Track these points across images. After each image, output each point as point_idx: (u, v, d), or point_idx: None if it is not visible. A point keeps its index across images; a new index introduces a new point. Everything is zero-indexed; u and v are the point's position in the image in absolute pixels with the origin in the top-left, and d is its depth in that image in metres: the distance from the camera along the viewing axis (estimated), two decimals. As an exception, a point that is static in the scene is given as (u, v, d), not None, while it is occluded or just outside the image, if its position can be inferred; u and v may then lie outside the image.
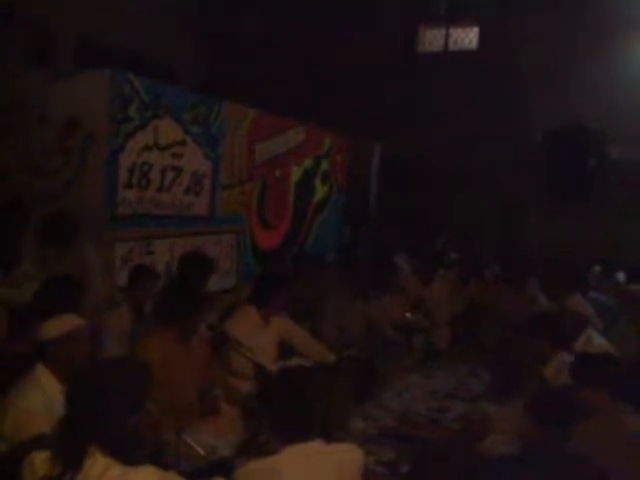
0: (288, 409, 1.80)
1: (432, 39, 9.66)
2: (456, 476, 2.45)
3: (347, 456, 1.84)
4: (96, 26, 6.52)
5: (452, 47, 9.45)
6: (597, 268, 6.20)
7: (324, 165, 6.56)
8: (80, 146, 4.14)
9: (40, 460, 1.59)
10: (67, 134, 4.21)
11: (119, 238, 4.16)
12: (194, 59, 8.18)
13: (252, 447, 2.45)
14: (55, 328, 2.24)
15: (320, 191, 6.58)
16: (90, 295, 3.24)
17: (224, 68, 8.38)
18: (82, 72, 4.47)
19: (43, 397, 2.14)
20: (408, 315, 5.05)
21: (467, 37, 9.40)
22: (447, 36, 9.50)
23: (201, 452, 2.43)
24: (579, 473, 1.97)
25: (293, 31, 8.86)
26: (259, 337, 3.55)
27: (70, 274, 3.18)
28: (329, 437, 1.82)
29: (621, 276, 5.95)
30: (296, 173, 6.12)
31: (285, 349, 3.82)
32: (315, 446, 1.75)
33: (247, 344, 3.21)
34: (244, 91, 7.06)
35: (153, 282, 3.67)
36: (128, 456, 1.61)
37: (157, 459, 2.13)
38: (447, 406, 3.87)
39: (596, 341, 3.61)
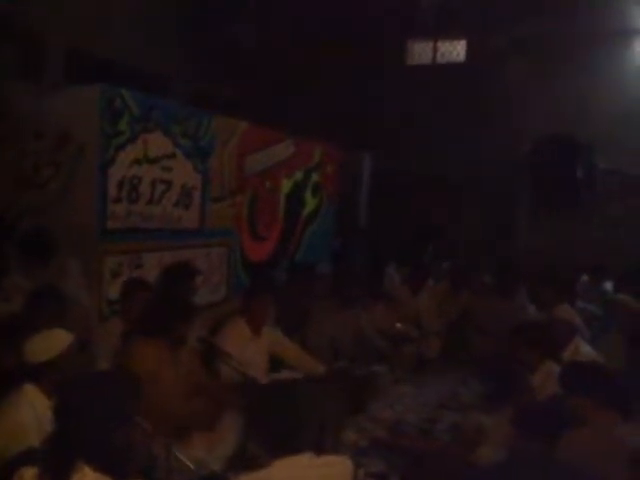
0: (279, 422, 1.80)
1: (420, 52, 9.80)
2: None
3: (336, 469, 1.83)
4: (90, 40, 6.55)
5: (440, 60, 9.58)
6: (585, 277, 6.25)
7: (314, 177, 6.59)
8: (70, 159, 4.14)
9: (29, 475, 1.58)
10: (58, 147, 4.21)
11: (109, 251, 4.15)
12: (190, 72, 8.21)
13: (242, 461, 2.44)
14: (45, 351, 2.22)
15: (310, 203, 6.59)
16: (75, 310, 3.24)
17: (220, 81, 8.43)
18: (73, 87, 4.48)
19: (32, 412, 2.13)
20: (398, 325, 5.05)
21: (455, 50, 9.53)
22: (435, 49, 9.63)
23: (191, 466, 2.41)
24: None
25: (287, 45, 8.94)
26: (249, 350, 3.56)
27: (53, 285, 3.18)
28: (322, 449, 1.81)
29: (608, 285, 6.00)
30: (286, 185, 6.14)
31: (275, 361, 3.82)
32: (305, 459, 1.74)
33: (237, 357, 3.21)
34: (239, 103, 7.11)
35: (147, 295, 3.66)
36: (118, 470, 1.60)
37: (147, 473, 2.12)
38: (438, 416, 3.87)
39: (583, 350, 3.64)
